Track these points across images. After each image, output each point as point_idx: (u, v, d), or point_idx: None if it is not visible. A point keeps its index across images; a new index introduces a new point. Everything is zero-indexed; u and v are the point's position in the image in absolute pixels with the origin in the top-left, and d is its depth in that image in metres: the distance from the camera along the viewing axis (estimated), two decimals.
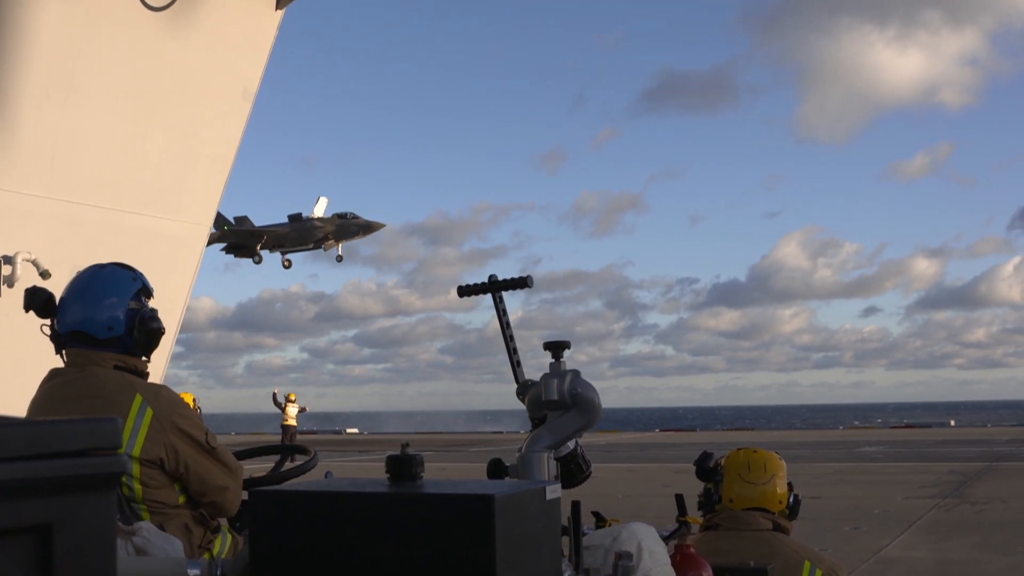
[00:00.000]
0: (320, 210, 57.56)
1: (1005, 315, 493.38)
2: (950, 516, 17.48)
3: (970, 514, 17.67)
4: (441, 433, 72.46)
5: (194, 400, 20.89)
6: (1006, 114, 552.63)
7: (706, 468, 4.77)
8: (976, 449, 35.64)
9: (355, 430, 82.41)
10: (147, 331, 3.96)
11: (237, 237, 56.52)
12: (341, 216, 56.95)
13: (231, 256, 58.53)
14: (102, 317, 3.90)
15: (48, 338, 4.01)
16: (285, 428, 37.70)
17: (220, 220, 56.13)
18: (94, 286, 3.96)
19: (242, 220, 56.83)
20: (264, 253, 57.76)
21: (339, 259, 58.37)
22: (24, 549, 1.35)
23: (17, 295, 7.36)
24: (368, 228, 57.57)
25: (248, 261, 57.80)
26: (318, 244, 57.34)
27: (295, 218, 57.15)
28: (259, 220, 57.29)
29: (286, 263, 58.96)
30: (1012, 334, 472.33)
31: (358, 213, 57.21)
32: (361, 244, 58.03)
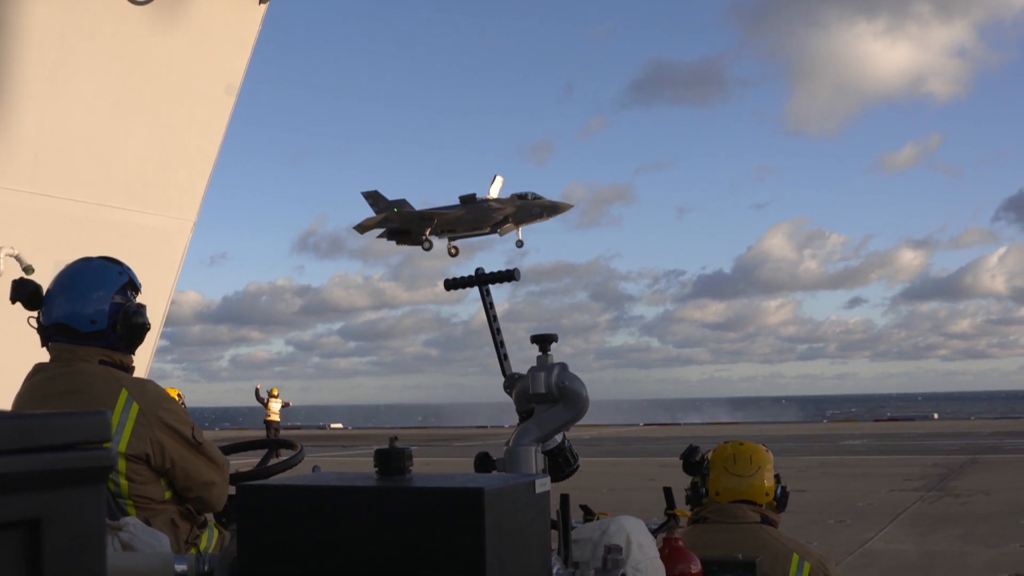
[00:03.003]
0: (495, 190, 51.98)
1: (989, 306, 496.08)
2: (934, 509, 17.58)
3: (954, 507, 17.77)
4: (426, 428, 72.38)
5: (180, 395, 20.72)
6: (994, 106, 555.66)
7: (692, 462, 4.76)
8: (960, 442, 35.85)
9: (339, 425, 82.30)
10: (130, 326, 3.94)
11: (404, 221, 51.16)
12: (521, 196, 51.29)
13: (392, 242, 52.42)
14: (86, 311, 3.88)
15: (36, 331, 3.99)
16: (268, 424, 36.96)
17: (382, 203, 51.12)
18: (80, 279, 3.93)
19: (401, 203, 51.28)
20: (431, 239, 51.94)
21: (519, 244, 52.65)
22: (13, 543, 1.34)
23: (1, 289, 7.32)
24: (553, 209, 51.61)
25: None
26: (495, 228, 51.46)
27: (468, 199, 51.28)
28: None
29: (452, 250, 53.21)
30: (996, 325, 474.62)
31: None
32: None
